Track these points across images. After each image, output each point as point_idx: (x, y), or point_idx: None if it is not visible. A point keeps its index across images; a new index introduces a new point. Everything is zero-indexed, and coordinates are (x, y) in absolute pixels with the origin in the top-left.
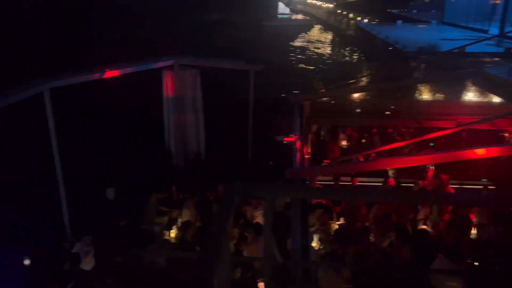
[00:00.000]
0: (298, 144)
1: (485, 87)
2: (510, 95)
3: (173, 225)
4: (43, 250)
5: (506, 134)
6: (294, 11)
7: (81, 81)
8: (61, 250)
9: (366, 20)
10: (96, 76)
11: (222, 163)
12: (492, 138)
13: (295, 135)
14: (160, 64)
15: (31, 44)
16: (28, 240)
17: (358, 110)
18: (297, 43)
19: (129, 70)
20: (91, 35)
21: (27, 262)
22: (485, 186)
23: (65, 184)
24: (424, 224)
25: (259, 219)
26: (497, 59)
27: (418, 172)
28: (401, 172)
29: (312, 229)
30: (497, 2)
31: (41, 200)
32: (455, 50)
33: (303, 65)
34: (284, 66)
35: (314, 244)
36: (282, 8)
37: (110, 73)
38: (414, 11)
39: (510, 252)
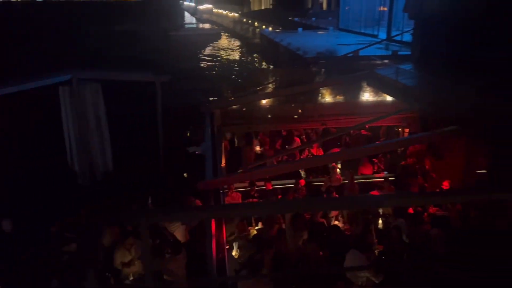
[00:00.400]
0: (211, 154)
1: (378, 87)
2: (399, 93)
3: None
4: None
5: (400, 129)
6: (200, 20)
7: None
8: None
9: (270, 28)
10: None
11: (133, 179)
12: (387, 134)
13: (208, 145)
14: (57, 80)
15: None
16: None
17: (269, 116)
18: (206, 51)
19: (18, 88)
20: None
21: None
22: (386, 178)
23: None
24: (336, 220)
25: (178, 233)
26: (386, 61)
27: (326, 170)
28: (311, 172)
29: (231, 237)
30: (384, 9)
31: None
32: (350, 54)
33: (212, 73)
34: (193, 75)
35: (234, 252)
36: (189, 18)
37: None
38: (313, 18)
39: (413, 239)
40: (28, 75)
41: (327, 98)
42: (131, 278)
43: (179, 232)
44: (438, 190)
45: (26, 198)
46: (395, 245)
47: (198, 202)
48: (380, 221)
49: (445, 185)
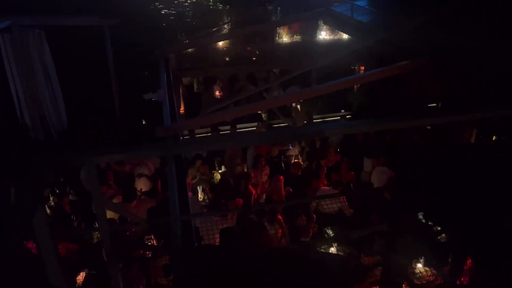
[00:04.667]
0: (167, 100)
1: (334, 25)
2: (354, 30)
3: (45, 204)
4: None
5: (356, 67)
6: None
7: None
8: None
9: None
10: None
11: (89, 131)
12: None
13: (163, 91)
14: None
15: None
16: None
17: (226, 59)
18: None
19: None
20: None
21: None
22: (344, 116)
23: None
24: (296, 158)
25: (140, 182)
26: None
27: (287, 112)
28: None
29: (194, 181)
30: None
31: None
32: None
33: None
34: (144, 17)
35: (199, 196)
36: None
37: None
38: None
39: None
40: None
41: (285, 38)
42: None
43: (141, 181)
44: None
45: None
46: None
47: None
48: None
49: None
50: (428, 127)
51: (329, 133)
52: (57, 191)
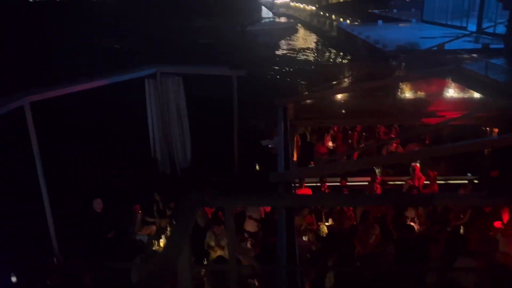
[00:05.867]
0: (283, 147)
1: (465, 83)
2: (488, 90)
3: (162, 234)
4: (29, 266)
5: (488, 129)
6: (277, 14)
7: (62, 94)
8: (48, 265)
9: (347, 21)
10: (77, 88)
11: (209, 169)
12: (474, 133)
13: (280, 138)
14: (142, 74)
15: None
16: (14, 256)
17: (342, 111)
18: (281, 45)
19: (110, 81)
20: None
21: (13, 279)
22: (470, 180)
23: (50, 197)
24: (412, 221)
25: (248, 224)
26: (475, 55)
27: (404, 169)
28: (388, 171)
29: (300, 229)
30: None
31: (26, 214)
32: (435, 48)
33: (286, 68)
34: (268, 69)
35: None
36: (265, 12)
37: (91, 84)
38: (395, 10)
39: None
40: (116, 69)
41: (407, 93)
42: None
43: (250, 223)
44: None
45: (115, 181)
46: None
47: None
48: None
49: None
50: None
51: (439, 203)
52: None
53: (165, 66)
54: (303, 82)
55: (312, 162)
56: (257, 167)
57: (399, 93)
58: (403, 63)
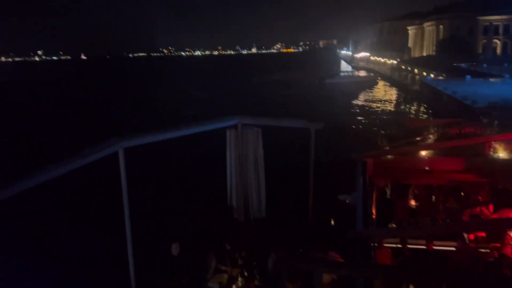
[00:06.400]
0: (361, 204)
1: None
2: None
3: (233, 283)
4: None
5: None
6: (356, 68)
7: (151, 141)
8: None
9: (431, 75)
10: (166, 136)
11: (282, 221)
12: None
13: (358, 194)
14: (225, 124)
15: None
16: None
17: (426, 168)
18: (360, 98)
19: (196, 130)
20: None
21: None
22: None
23: (133, 236)
24: None
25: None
26: None
27: (495, 235)
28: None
29: None
30: None
31: (109, 252)
32: None
33: (365, 121)
34: (346, 122)
35: None
36: (344, 66)
37: (179, 133)
38: (484, 65)
39: None
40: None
41: (501, 153)
42: None
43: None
44: None
45: (192, 225)
46: None
47: (336, 256)
48: None
49: None
50: None
51: None
52: (246, 274)
53: (246, 117)
54: (383, 136)
55: (392, 222)
56: (332, 221)
57: (491, 152)
58: (496, 121)
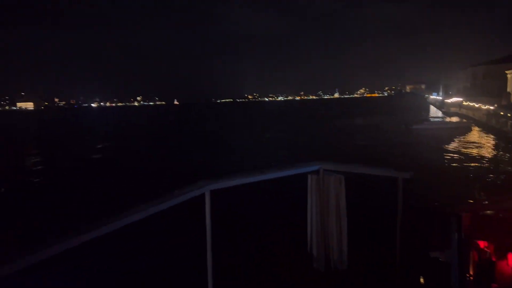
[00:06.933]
0: (457, 263)
1: None
2: None
3: None
4: None
5: None
6: (447, 114)
7: (237, 184)
8: None
9: None
10: (250, 180)
11: (366, 274)
12: None
13: (453, 252)
14: (307, 170)
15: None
16: None
17: None
18: (452, 146)
19: (278, 175)
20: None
21: None
22: None
23: (213, 278)
24: None
25: None
26: None
27: None
28: None
29: None
30: None
31: None
32: None
33: (460, 171)
34: (438, 171)
35: None
36: (434, 112)
37: (263, 177)
38: None
39: None
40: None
41: None
42: None
43: None
44: None
45: (271, 270)
46: None
47: None
48: None
49: None
50: None
51: None
52: None
53: (328, 163)
54: (480, 188)
55: (493, 285)
56: (422, 279)
57: None
58: None
